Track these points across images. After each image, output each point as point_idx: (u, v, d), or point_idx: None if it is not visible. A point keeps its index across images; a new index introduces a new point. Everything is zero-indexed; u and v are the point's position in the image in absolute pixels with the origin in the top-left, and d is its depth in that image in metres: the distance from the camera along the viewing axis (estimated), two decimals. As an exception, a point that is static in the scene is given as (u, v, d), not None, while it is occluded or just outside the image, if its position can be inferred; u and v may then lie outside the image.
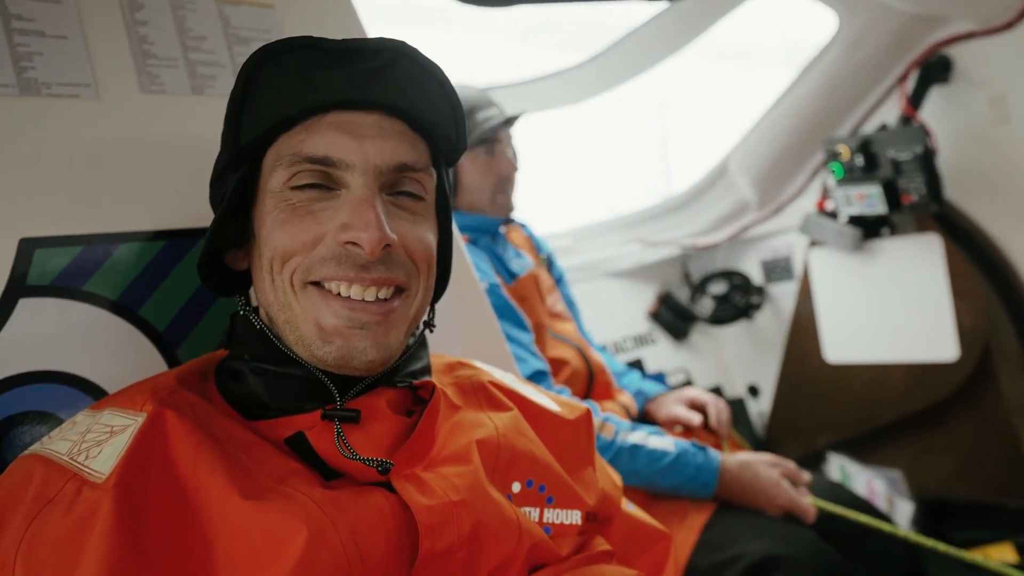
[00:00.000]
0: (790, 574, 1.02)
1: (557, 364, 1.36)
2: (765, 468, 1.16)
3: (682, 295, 2.18)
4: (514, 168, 1.46)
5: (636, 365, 2.05)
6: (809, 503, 1.14)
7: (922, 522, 1.69)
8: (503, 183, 1.44)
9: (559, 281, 1.62)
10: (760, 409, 2.14)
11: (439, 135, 0.61)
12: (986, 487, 1.73)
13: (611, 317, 2.09)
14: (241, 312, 0.62)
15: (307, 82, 0.55)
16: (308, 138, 0.56)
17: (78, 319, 0.69)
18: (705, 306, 2.12)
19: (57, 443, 0.53)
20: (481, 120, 1.40)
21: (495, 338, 1.02)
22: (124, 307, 0.71)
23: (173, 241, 0.75)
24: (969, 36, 1.63)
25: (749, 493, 1.14)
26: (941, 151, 1.64)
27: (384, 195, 0.57)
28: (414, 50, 0.59)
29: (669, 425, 1.38)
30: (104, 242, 0.71)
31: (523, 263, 1.46)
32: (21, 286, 0.65)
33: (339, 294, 0.55)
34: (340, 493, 0.53)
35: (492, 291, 1.26)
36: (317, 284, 0.56)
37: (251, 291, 0.64)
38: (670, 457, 1.15)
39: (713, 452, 1.18)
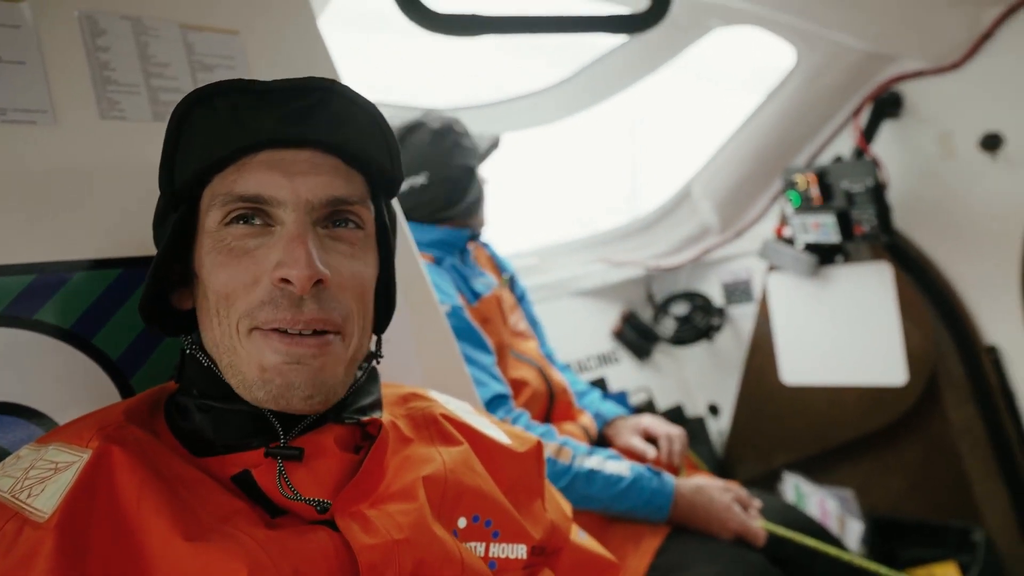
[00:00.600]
0: None
1: (518, 385, 1.38)
2: (718, 493, 1.19)
3: (645, 315, 2.21)
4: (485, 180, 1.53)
5: (599, 384, 2.07)
6: (759, 527, 1.17)
7: (872, 541, 1.74)
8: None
9: (521, 300, 1.64)
10: (720, 428, 2.18)
11: (375, 168, 0.62)
12: (933, 507, 1.79)
13: (575, 336, 2.11)
14: (187, 351, 0.61)
15: (237, 123, 0.56)
16: (239, 177, 0.56)
17: (29, 348, 0.68)
18: (668, 326, 2.16)
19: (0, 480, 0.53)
20: (476, 139, 1.49)
21: (454, 362, 1.03)
22: (77, 336, 0.71)
23: (129, 269, 0.74)
24: (919, 74, 1.70)
25: (702, 517, 1.17)
26: (892, 183, 1.70)
27: (319, 229, 0.57)
28: (344, 87, 0.60)
29: (625, 453, 1.40)
30: (58, 270, 0.70)
31: (486, 282, 1.47)
32: (-30, 316, 0.65)
33: (275, 329, 0.55)
34: (283, 533, 0.53)
35: (455, 313, 1.27)
36: (259, 328, 0.56)
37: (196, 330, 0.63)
38: (626, 482, 1.17)
39: (668, 477, 1.21)
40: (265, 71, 0.89)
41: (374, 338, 0.67)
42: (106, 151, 0.76)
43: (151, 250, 0.76)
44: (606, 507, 1.19)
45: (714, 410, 2.20)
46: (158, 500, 0.51)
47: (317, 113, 0.58)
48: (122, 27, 0.80)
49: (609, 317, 2.19)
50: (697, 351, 2.22)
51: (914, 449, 1.81)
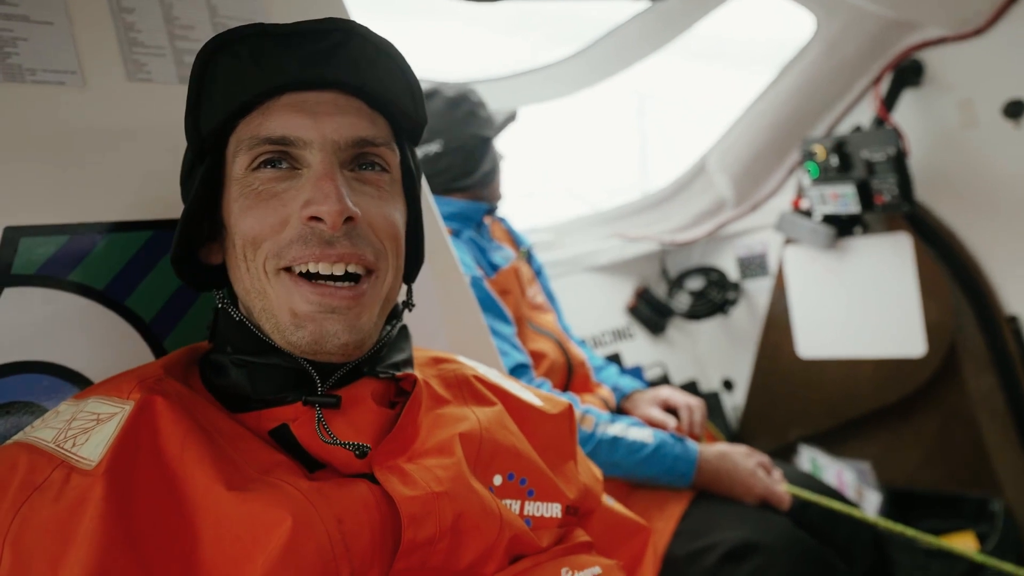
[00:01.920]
0: (766, 559, 1.05)
1: (537, 357, 1.38)
2: (742, 458, 1.20)
3: (660, 290, 2.21)
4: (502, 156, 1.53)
5: (614, 359, 2.08)
6: (784, 491, 1.18)
7: (889, 512, 1.75)
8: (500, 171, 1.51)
9: (539, 274, 1.64)
10: (734, 403, 2.18)
11: (398, 111, 0.61)
12: (950, 478, 1.80)
13: (590, 311, 2.11)
14: (220, 305, 0.61)
15: (259, 67, 0.56)
16: (265, 121, 0.56)
17: (64, 309, 0.68)
18: (682, 301, 2.16)
19: (42, 431, 0.53)
20: (486, 115, 1.47)
21: (480, 331, 1.03)
22: (110, 297, 0.71)
23: (160, 231, 0.74)
24: (941, 41, 1.68)
25: (726, 482, 1.17)
26: (912, 153, 1.69)
27: (346, 171, 0.57)
28: (365, 29, 0.59)
29: (648, 423, 1.41)
30: (90, 232, 0.70)
31: (504, 255, 1.47)
32: (6, 275, 0.65)
33: (308, 273, 0.55)
34: (325, 484, 0.53)
35: (475, 284, 1.27)
36: (288, 270, 0.56)
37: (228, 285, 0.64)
38: (649, 448, 1.17)
39: (691, 443, 1.21)
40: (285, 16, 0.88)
41: (404, 288, 0.67)
42: (134, 113, 0.76)
43: (180, 212, 0.77)
44: (630, 473, 1.19)
45: (728, 385, 2.21)
46: (201, 450, 0.51)
47: (339, 54, 0.57)
48: (146, -12, 0.80)
49: (623, 292, 2.19)
50: (712, 326, 2.22)
51: (932, 420, 1.81)
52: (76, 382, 0.68)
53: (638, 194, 2.31)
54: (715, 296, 2.13)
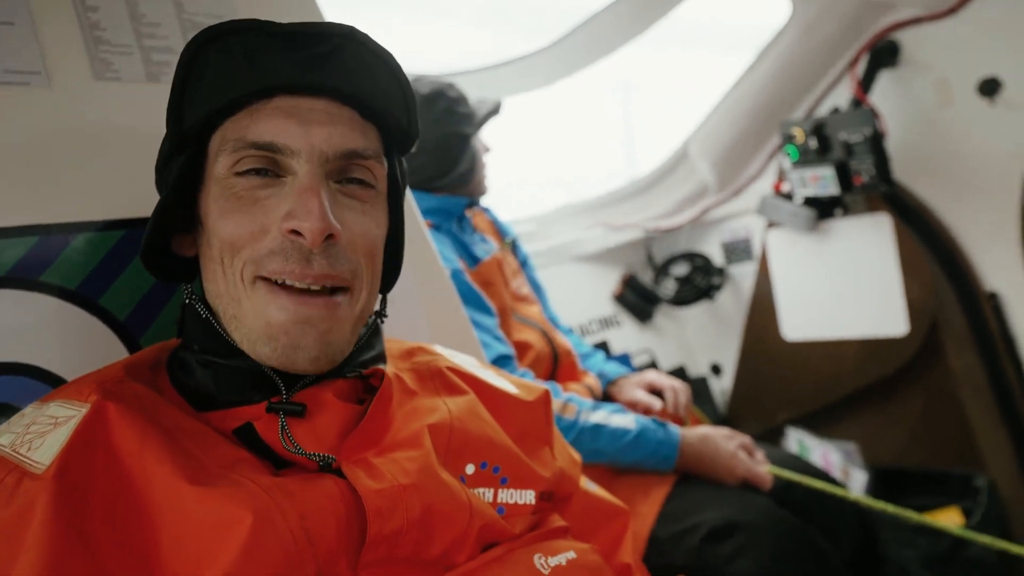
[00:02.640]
0: (747, 538, 1.07)
1: (522, 347, 1.39)
2: (723, 441, 1.21)
3: (646, 277, 2.22)
4: (489, 148, 1.53)
5: (602, 347, 2.09)
6: (766, 472, 1.19)
7: (876, 490, 1.77)
8: (483, 164, 1.50)
9: (524, 264, 1.64)
10: (722, 387, 2.20)
11: (391, 123, 0.61)
12: (935, 456, 1.82)
13: (577, 300, 2.12)
14: (187, 300, 0.61)
15: (253, 65, 0.54)
16: (252, 123, 0.55)
17: (37, 310, 0.68)
18: (668, 287, 2.17)
19: (1, 436, 0.53)
20: (476, 105, 1.46)
21: (462, 324, 1.04)
22: (84, 297, 0.71)
23: (132, 230, 0.75)
24: (915, 21, 1.69)
25: (708, 465, 1.19)
26: (890, 133, 1.70)
27: (332, 183, 0.57)
28: (364, 36, 0.58)
29: (631, 408, 1.42)
30: (61, 232, 0.70)
31: (487, 248, 1.47)
32: (-24, 278, 0.65)
33: (284, 283, 0.55)
34: (289, 480, 0.53)
35: (455, 276, 1.28)
36: (265, 278, 0.55)
37: (197, 279, 0.63)
38: (631, 435, 1.19)
39: (673, 427, 1.22)
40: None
41: (379, 297, 0.67)
42: (102, 112, 0.76)
43: (152, 211, 0.77)
44: (613, 460, 1.21)
45: (716, 369, 2.22)
46: (160, 450, 0.51)
47: (334, 60, 0.56)
48: (111, -14, 0.80)
49: (609, 281, 2.20)
50: (698, 311, 2.23)
51: (916, 399, 1.83)
52: (51, 383, 0.68)
53: (622, 182, 2.32)
54: (700, 282, 2.14)
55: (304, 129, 0.55)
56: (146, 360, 0.62)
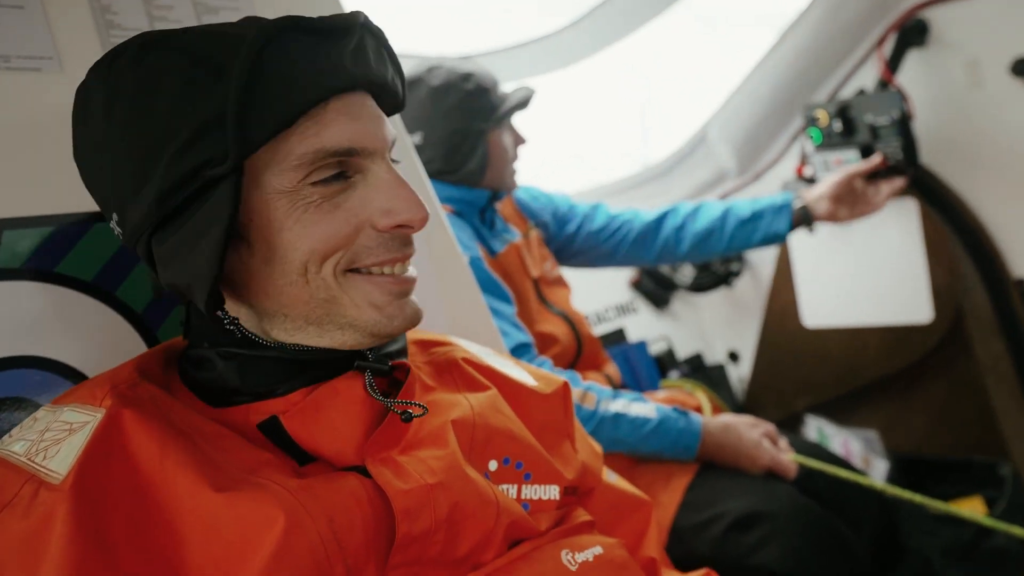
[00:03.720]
0: (772, 527, 1.06)
1: (547, 339, 1.36)
2: (747, 429, 1.19)
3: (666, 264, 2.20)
4: (524, 140, 1.45)
5: (618, 334, 2.07)
6: (790, 460, 1.18)
7: (897, 479, 1.75)
8: (516, 156, 1.44)
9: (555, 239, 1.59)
10: (740, 374, 2.18)
11: (391, 104, 0.61)
12: (958, 445, 1.79)
13: (593, 288, 2.10)
14: (227, 323, 0.57)
15: (315, 68, 0.51)
16: (322, 130, 0.52)
17: (53, 302, 0.67)
18: (685, 274, 2.14)
19: (15, 443, 0.52)
20: (504, 92, 1.38)
21: (480, 312, 1.02)
22: (100, 289, 0.70)
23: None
24: (942, 0, 1.64)
25: (731, 455, 1.17)
26: (917, 115, 1.65)
27: None
28: (373, 23, 0.58)
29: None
30: (75, 222, 0.69)
31: (504, 239, 1.44)
32: (-9, 269, 0.64)
33: (382, 274, 0.56)
34: (314, 481, 0.53)
35: (474, 264, 1.26)
36: (356, 270, 0.56)
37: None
38: (652, 423, 1.17)
39: (695, 416, 1.20)
40: (270, 10, 0.86)
41: None
42: (115, 98, 0.74)
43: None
44: (634, 449, 1.19)
45: (734, 356, 2.20)
46: (182, 455, 0.50)
47: (363, 53, 0.55)
48: (122, -31, 0.78)
49: (627, 268, 2.17)
50: (716, 298, 2.20)
51: (939, 387, 1.80)
52: (68, 376, 0.68)
53: (640, 165, 2.29)
54: (719, 268, 2.11)
55: (367, 127, 0.55)
56: (157, 358, 0.61)
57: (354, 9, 0.57)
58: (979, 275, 1.71)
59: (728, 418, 1.23)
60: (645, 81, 2.52)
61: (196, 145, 0.49)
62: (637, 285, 2.16)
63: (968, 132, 1.69)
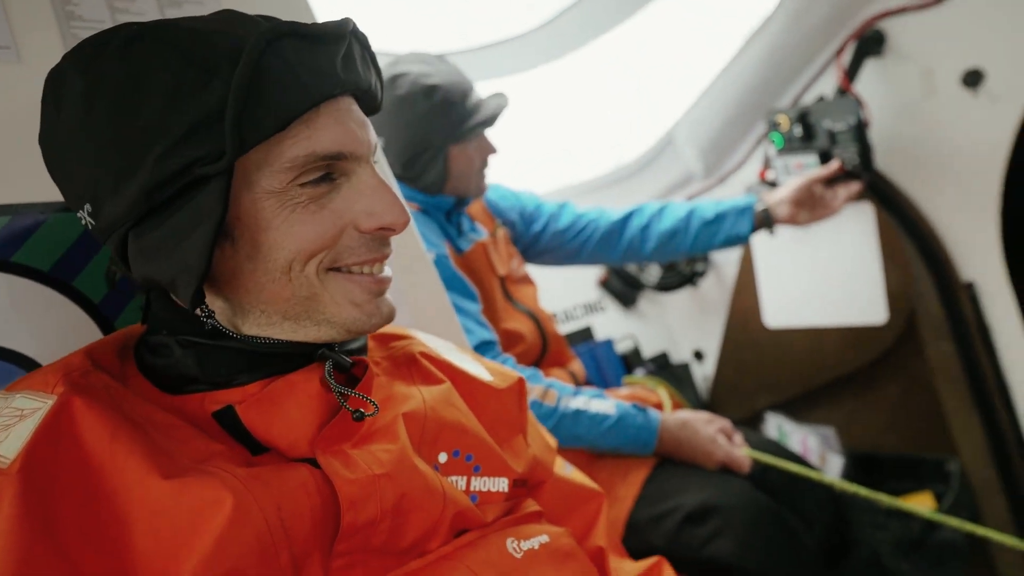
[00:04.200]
0: (724, 520, 1.09)
1: (513, 337, 1.38)
2: (703, 426, 1.23)
3: (632, 263, 2.23)
4: (494, 150, 1.44)
5: (586, 332, 2.10)
6: (744, 456, 1.21)
7: (852, 474, 1.80)
8: (485, 165, 1.43)
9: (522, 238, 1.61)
10: (705, 373, 2.22)
11: (370, 107, 0.63)
12: (911, 442, 1.85)
13: (562, 286, 2.13)
14: (203, 317, 0.57)
15: (311, 73, 0.53)
16: (313, 134, 0.54)
17: (9, 291, 0.67)
18: (652, 274, 2.18)
19: None
20: (476, 104, 1.35)
21: (444, 308, 1.03)
22: (57, 279, 0.70)
23: (106, 211, 0.74)
24: (902, 11, 1.69)
25: (687, 450, 1.21)
26: (874, 122, 1.71)
27: None
28: (359, 30, 0.60)
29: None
30: (33, 212, 0.69)
31: (475, 235, 1.46)
32: (-55, 258, 0.64)
33: (361, 273, 0.58)
34: (264, 469, 0.54)
35: (439, 262, 1.27)
36: (337, 269, 0.57)
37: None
38: (611, 420, 1.20)
39: (653, 412, 1.24)
40: (235, 2, 0.86)
41: None
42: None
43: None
44: (594, 445, 1.22)
45: (699, 355, 2.24)
46: (131, 443, 0.51)
47: (351, 59, 0.57)
48: (83, -40, 0.78)
49: (595, 267, 2.20)
50: (681, 297, 2.24)
51: (893, 386, 1.86)
52: (25, 366, 0.68)
53: (612, 166, 2.31)
54: (684, 268, 2.15)
55: (354, 132, 0.57)
56: (112, 345, 0.62)
57: (343, 16, 0.58)
58: (931, 278, 1.77)
59: (685, 415, 1.26)
60: (634, 73, 2.53)
61: (188, 142, 0.50)
62: (605, 284, 2.19)
63: (922, 140, 1.75)
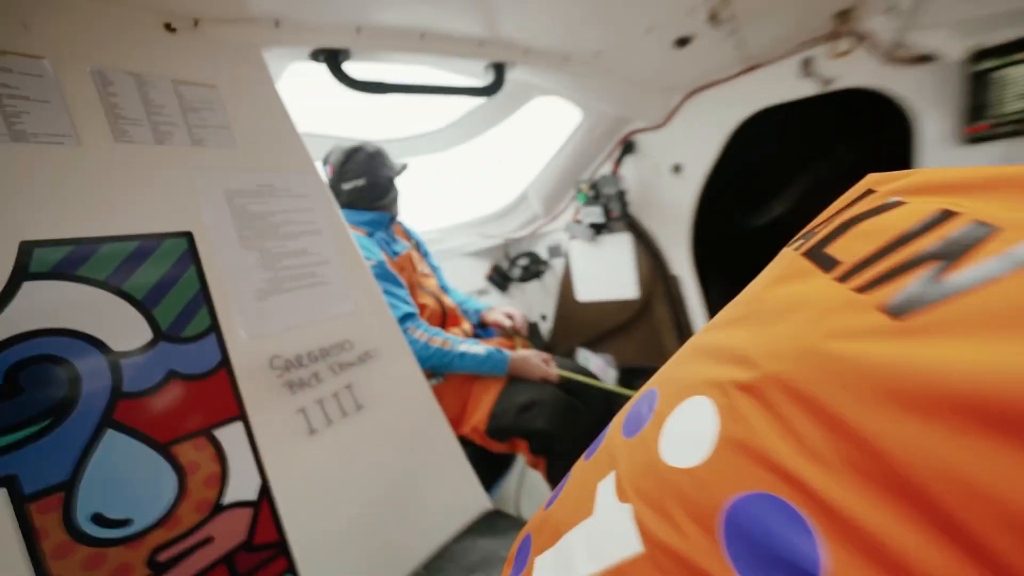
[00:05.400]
0: (540, 408, 1.14)
1: (423, 308, 1.40)
2: (533, 357, 1.28)
3: (505, 265, 2.28)
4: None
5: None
6: (554, 372, 1.27)
7: (620, 380, 1.95)
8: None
9: (426, 255, 1.62)
10: (547, 327, 2.31)
11: None
12: (648, 358, 2.00)
13: (465, 279, 2.13)
14: None
15: None
16: None
17: (76, 293, 0.62)
18: (516, 272, 2.24)
19: None
20: (391, 164, 1.39)
21: (374, 296, 0.99)
22: (110, 284, 0.66)
23: (144, 242, 0.69)
24: (643, 130, 1.83)
25: (524, 372, 1.25)
26: (630, 189, 1.84)
27: None
28: None
29: (495, 325, 1.46)
30: (91, 243, 0.64)
31: (402, 246, 1.45)
32: (24, 274, 0.58)
33: None
34: None
35: (380, 265, 1.26)
36: None
37: None
38: (482, 357, 1.23)
39: (507, 351, 1.27)
40: (234, 113, 0.82)
41: None
42: (122, 165, 0.69)
43: (152, 228, 0.69)
44: (473, 371, 1.24)
45: (544, 318, 2.32)
46: None
47: None
48: (127, 80, 0.71)
49: (484, 267, 2.22)
50: (534, 285, 2.30)
51: (641, 330, 2.00)
52: (90, 342, 0.63)
53: (497, 207, 2.34)
54: (534, 269, 2.23)
55: None
56: None
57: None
58: (658, 272, 1.93)
59: (524, 352, 1.31)
60: (503, 154, 2.54)
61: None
62: (490, 278, 2.22)
63: (653, 199, 1.90)
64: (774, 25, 1.31)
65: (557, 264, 2.23)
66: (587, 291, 2.04)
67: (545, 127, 2.29)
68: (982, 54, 1.16)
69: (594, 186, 1.81)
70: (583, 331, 2.12)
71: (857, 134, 1.75)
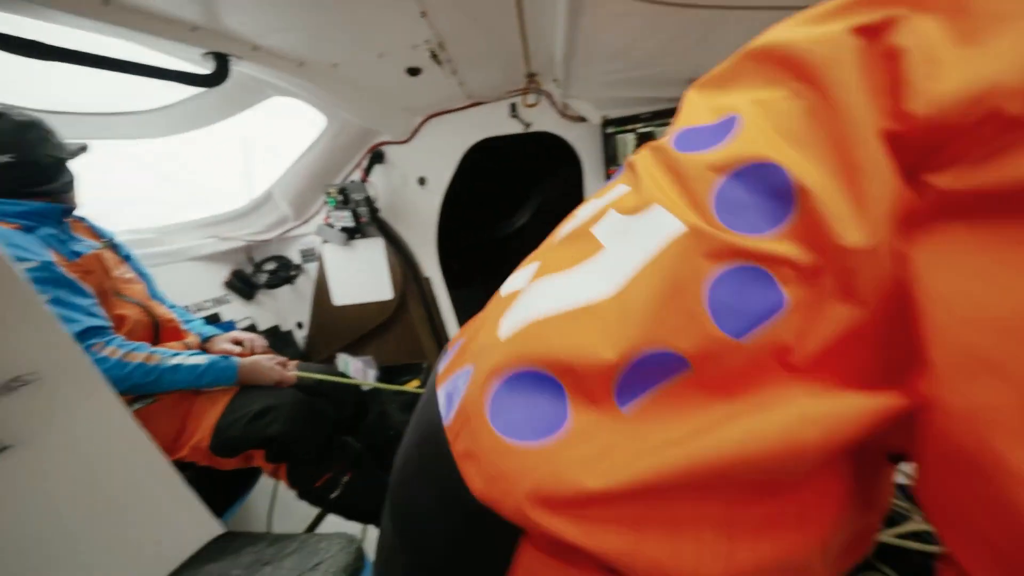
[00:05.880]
0: (276, 413, 1.15)
1: (121, 319, 1.21)
2: (266, 361, 1.27)
3: (248, 270, 2.13)
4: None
5: (213, 317, 1.93)
6: (291, 375, 1.29)
7: (381, 377, 2.11)
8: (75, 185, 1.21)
9: (128, 258, 1.40)
10: (303, 334, 2.28)
11: None
12: (406, 356, 2.20)
13: (193, 286, 1.90)
14: None
15: None
16: None
17: None
18: (262, 277, 2.13)
19: None
20: (58, 141, 1.16)
21: (30, 305, 0.85)
22: None
23: None
24: (391, 143, 2.06)
25: (257, 377, 1.23)
26: (379, 197, 2.04)
27: None
28: None
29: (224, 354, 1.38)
30: None
31: (88, 245, 1.22)
32: None
33: None
34: None
35: (45, 267, 1.05)
36: None
37: None
38: (203, 367, 1.16)
39: (234, 359, 1.23)
40: None
41: None
42: None
43: None
44: (192, 385, 1.16)
45: (300, 325, 2.28)
46: None
47: None
48: None
49: (222, 272, 2.03)
50: (287, 291, 2.23)
51: (398, 329, 2.20)
52: None
53: (238, 203, 2.15)
54: (285, 273, 2.17)
55: None
56: None
57: None
58: (411, 274, 2.19)
59: (256, 357, 1.27)
60: (245, 145, 2.36)
61: None
62: (229, 284, 2.04)
63: (402, 207, 2.15)
64: (485, 74, 1.74)
65: (311, 268, 2.22)
66: (343, 294, 2.12)
67: (288, 126, 2.26)
68: (609, 122, 1.86)
69: (343, 191, 1.92)
70: (342, 335, 2.18)
71: (569, 162, 2.41)
